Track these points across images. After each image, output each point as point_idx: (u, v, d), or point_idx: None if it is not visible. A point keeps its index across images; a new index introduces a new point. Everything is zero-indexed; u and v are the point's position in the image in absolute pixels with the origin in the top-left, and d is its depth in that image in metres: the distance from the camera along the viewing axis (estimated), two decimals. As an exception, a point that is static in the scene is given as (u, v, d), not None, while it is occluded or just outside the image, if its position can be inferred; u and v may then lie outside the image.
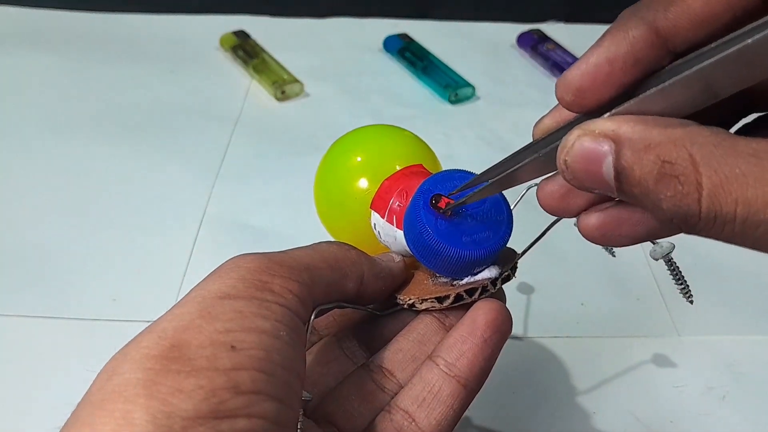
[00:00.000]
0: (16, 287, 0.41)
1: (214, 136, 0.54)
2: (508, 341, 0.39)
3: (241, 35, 0.64)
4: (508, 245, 0.27)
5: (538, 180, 0.23)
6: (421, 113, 0.58)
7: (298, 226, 0.46)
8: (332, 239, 0.32)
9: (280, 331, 0.20)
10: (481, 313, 0.25)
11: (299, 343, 0.21)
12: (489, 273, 0.26)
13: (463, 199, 0.25)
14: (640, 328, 0.40)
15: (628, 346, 0.39)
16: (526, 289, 0.42)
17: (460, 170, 0.27)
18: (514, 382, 0.37)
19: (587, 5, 0.72)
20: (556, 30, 0.68)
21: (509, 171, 0.22)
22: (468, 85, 0.59)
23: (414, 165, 0.30)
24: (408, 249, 0.27)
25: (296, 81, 0.59)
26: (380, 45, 0.65)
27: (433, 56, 0.63)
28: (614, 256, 0.32)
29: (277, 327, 0.20)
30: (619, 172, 0.18)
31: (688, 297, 0.30)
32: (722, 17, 0.18)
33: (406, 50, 0.63)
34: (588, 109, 0.20)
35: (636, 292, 0.42)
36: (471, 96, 0.60)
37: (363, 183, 0.29)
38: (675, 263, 0.30)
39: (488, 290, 0.26)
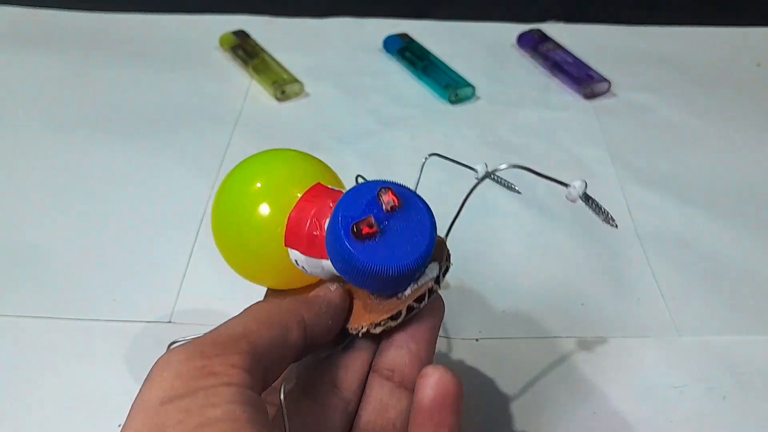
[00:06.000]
0: (16, 287, 0.41)
1: (214, 136, 0.54)
2: (508, 341, 0.39)
3: (241, 35, 0.64)
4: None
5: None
6: (421, 113, 0.58)
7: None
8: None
9: (236, 412, 0.19)
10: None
11: (260, 415, 0.20)
12: (429, 274, 0.26)
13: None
14: (640, 328, 0.40)
15: (628, 346, 0.39)
16: (526, 289, 0.42)
17: (363, 184, 0.26)
18: (514, 383, 0.37)
19: (587, 5, 0.72)
20: (556, 30, 0.68)
21: None
22: (468, 85, 0.59)
23: (313, 187, 0.28)
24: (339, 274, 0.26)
25: (296, 81, 0.59)
26: (380, 45, 0.65)
27: (433, 56, 0.63)
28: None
29: (231, 410, 0.19)
30: None
31: (612, 222, 0.29)
32: None
33: (406, 50, 0.63)
34: None
35: (636, 292, 0.42)
36: (471, 96, 0.60)
37: (266, 211, 0.27)
38: (591, 197, 0.28)
39: (434, 291, 0.26)
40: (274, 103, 0.58)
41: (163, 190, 0.48)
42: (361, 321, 0.26)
